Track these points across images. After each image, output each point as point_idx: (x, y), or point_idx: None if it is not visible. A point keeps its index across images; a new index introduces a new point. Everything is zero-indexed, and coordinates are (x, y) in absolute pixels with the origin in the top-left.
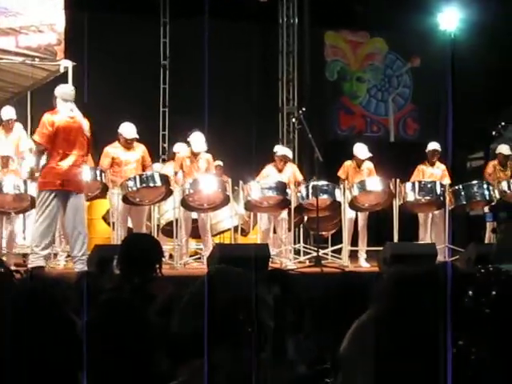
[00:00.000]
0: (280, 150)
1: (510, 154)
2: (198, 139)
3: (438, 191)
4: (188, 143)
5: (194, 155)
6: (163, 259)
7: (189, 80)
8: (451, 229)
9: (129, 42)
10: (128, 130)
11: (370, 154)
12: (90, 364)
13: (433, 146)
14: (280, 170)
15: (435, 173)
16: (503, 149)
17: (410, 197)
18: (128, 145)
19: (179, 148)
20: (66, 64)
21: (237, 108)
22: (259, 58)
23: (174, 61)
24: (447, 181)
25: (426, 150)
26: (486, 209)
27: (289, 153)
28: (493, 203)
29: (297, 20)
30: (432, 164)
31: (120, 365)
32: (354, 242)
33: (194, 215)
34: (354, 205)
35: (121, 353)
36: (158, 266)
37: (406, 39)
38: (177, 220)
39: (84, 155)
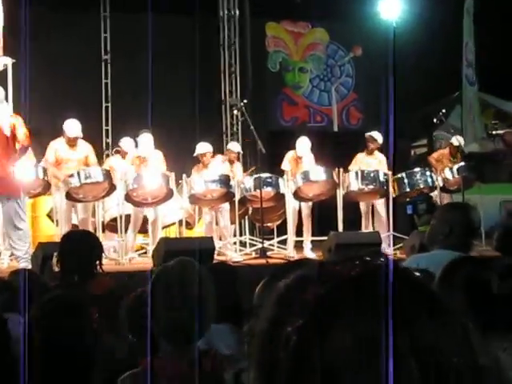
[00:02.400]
0: (234, 147)
1: (460, 145)
2: (146, 141)
3: (381, 180)
4: (135, 140)
5: (143, 156)
6: (106, 255)
7: (131, 74)
8: (395, 217)
9: (69, 38)
10: (70, 127)
11: (309, 151)
12: (30, 362)
13: (372, 133)
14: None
15: (371, 163)
16: (456, 140)
17: (354, 186)
18: (71, 142)
19: (125, 143)
20: (5, 61)
21: (179, 101)
22: (201, 50)
23: (116, 55)
24: (385, 168)
25: (366, 136)
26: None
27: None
28: (413, 196)
29: (237, 12)
30: (370, 153)
31: (61, 362)
32: (299, 232)
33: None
34: (297, 195)
35: (62, 350)
36: (97, 262)
37: (348, 29)
38: (121, 216)
39: (5, 156)
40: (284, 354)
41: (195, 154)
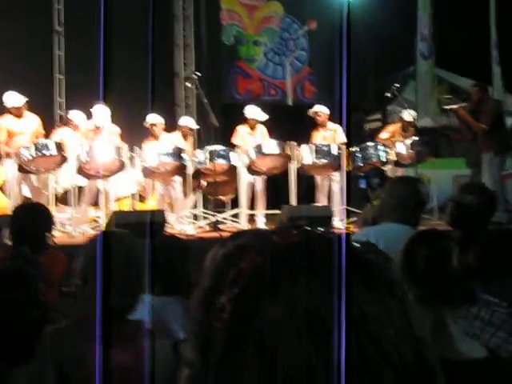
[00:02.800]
0: (188, 122)
1: (412, 120)
2: (101, 113)
3: (335, 153)
4: (89, 113)
5: (97, 128)
6: (58, 227)
7: (84, 46)
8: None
9: (21, 10)
10: (9, 99)
11: (266, 116)
12: None
13: (313, 108)
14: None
15: (327, 135)
16: (407, 115)
17: (307, 160)
18: (16, 113)
19: (74, 116)
20: None
21: (133, 73)
22: (155, 22)
23: (69, 27)
24: (340, 140)
25: (309, 113)
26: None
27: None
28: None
29: None
30: (322, 126)
31: (6, 334)
32: (253, 205)
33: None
34: (251, 169)
35: (6, 323)
36: (48, 234)
37: (303, 2)
38: (74, 188)
39: None
40: (219, 325)
41: (145, 124)
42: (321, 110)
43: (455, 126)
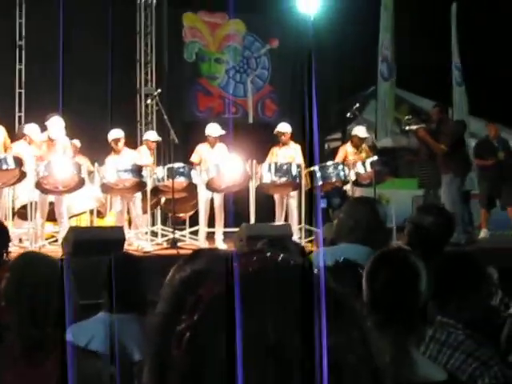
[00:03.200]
0: (152, 136)
1: (366, 137)
2: (55, 125)
3: (294, 172)
4: (44, 126)
5: (51, 140)
6: (16, 243)
7: (45, 61)
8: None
9: None
10: None
11: (223, 132)
12: None
13: (279, 127)
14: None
15: (287, 153)
16: (359, 131)
17: (267, 178)
18: None
19: (29, 129)
20: None
21: (94, 89)
22: (117, 39)
23: (30, 41)
24: (299, 160)
25: (276, 131)
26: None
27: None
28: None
29: (155, 1)
30: (284, 144)
31: None
32: (212, 223)
33: (51, 198)
34: (210, 186)
35: None
36: (4, 251)
37: (265, 21)
38: (31, 203)
39: None
40: (177, 352)
41: (109, 139)
42: (286, 130)
43: (415, 146)
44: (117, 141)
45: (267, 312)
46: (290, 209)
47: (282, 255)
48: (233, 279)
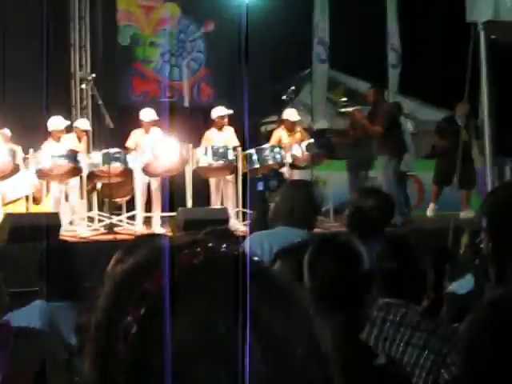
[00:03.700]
0: (82, 124)
1: (297, 120)
2: None
3: (231, 156)
4: None
5: None
6: None
7: None
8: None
9: None
10: None
11: (156, 117)
12: None
13: (218, 111)
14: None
15: (223, 137)
16: (289, 115)
17: (203, 162)
18: None
19: None
20: None
21: (28, 74)
22: (50, 23)
23: None
24: (236, 143)
25: (213, 115)
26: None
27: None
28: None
29: None
30: (220, 128)
31: None
32: (149, 207)
33: None
34: (146, 171)
35: None
36: None
37: (200, 4)
38: None
39: None
40: (123, 346)
41: (51, 129)
42: (226, 114)
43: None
44: (56, 128)
45: (214, 303)
46: (226, 192)
47: (224, 245)
48: (178, 272)
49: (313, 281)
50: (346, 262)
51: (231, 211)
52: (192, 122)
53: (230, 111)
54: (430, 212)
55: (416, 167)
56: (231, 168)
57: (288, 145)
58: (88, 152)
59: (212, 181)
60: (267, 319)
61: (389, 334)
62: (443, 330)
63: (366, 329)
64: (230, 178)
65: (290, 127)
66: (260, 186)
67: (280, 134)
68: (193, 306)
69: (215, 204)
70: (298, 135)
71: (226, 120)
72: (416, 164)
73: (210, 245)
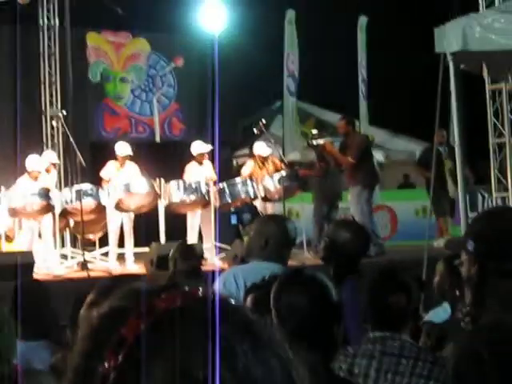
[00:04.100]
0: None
1: (268, 154)
2: None
3: (203, 190)
4: None
5: None
6: None
7: None
8: (219, 227)
9: None
10: None
11: (130, 152)
12: None
13: (199, 148)
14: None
15: (202, 171)
16: (259, 148)
17: (175, 197)
18: None
19: None
20: None
21: None
22: (20, 60)
23: None
24: (214, 177)
25: (194, 152)
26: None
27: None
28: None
29: (57, 21)
30: (200, 163)
31: None
32: (122, 243)
33: None
34: (119, 207)
35: None
36: None
37: (169, 39)
38: None
39: None
40: None
41: (29, 170)
42: (206, 150)
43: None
44: (35, 167)
45: (190, 349)
46: (204, 227)
47: (201, 289)
48: (155, 317)
49: (279, 316)
50: (311, 295)
51: (206, 246)
52: (164, 157)
53: (210, 147)
54: (440, 243)
55: (388, 197)
56: (204, 202)
57: (260, 178)
58: (59, 186)
59: (189, 215)
60: (244, 363)
61: (390, 366)
62: (443, 360)
63: (363, 362)
64: (205, 211)
65: (262, 160)
66: (233, 220)
67: (251, 167)
68: (170, 352)
69: (191, 238)
70: (270, 167)
71: (205, 155)
72: (388, 194)
73: (187, 289)
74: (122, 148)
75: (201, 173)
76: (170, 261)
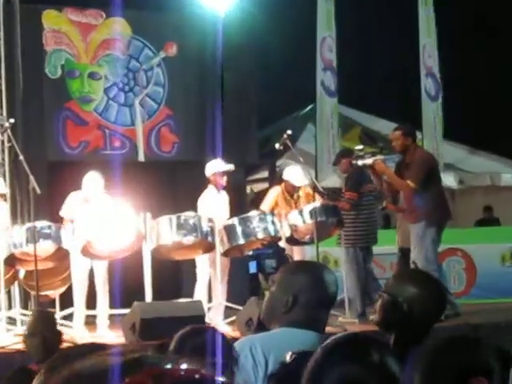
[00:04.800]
0: None
1: (303, 184)
2: None
3: (205, 228)
4: None
5: None
6: None
7: None
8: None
9: None
10: None
11: (102, 189)
12: None
13: (213, 167)
14: None
15: (220, 200)
16: (292, 175)
17: (166, 238)
18: None
19: None
20: None
21: None
22: None
23: None
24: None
25: (209, 173)
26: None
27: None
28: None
29: None
30: (217, 188)
31: None
32: (93, 303)
33: None
34: (88, 252)
35: None
36: None
37: (158, 20)
38: None
39: None
40: None
41: None
42: (227, 169)
43: (371, 187)
44: None
45: None
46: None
47: (201, 371)
48: None
49: None
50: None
51: (214, 305)
52: (150, 182)
53: (231, 166)
54: None
55: (463, 238)
56: (206, 245)
57: (285, 211)
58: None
59: (185, 263)
60: None
61: None
62: None
63: None
64: (211, 257)
65: (290, 189)
66: (252, 268)
67: (275, 196)
68: None
69: (190, 294)
70: (300, 198)
71: (224, 178)
72: (463, 233)
73: (182, 373)
74: (92, 176)
75: (218, 203)
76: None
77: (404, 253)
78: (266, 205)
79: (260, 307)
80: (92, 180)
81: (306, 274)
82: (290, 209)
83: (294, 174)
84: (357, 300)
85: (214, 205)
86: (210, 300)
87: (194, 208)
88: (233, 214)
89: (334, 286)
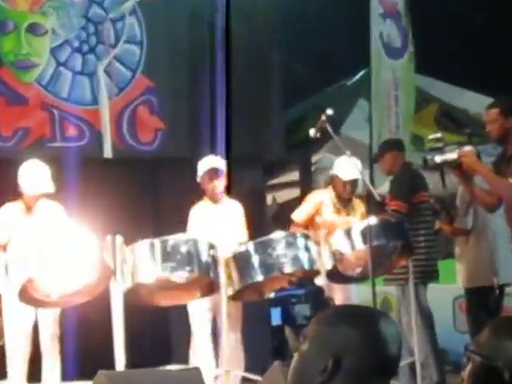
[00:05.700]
0: None
1: (354, 179)
2: None
3: (204, 258)
4: None
5: None
6: None
7: None
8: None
9: None
10: None
11: (49, 190)
12: None
13: (207, 163)
14: None
15: (219, 215)
16: (340, 167)
17: (145, 274)
18: None
19: None
20: None
21: None
22: None
23: None
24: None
25: (199, 175)
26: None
27: None
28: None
29: None
30: (214, 200)
31: None
32: (37, 369)
33: None
34: (28, 296)
35: None
36: None
37: None
38: None
39: None
40: None
41: None
42: (213, 167)
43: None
44: None
45: None
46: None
47: None
48: None
49: None
50: None
51: (220, 372)
52: (122, 189)
53: (219, 162)
54: None
55: None
56: (205, 283)
57: (330, 229)
58: None
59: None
60: None
61: None
62: None
63: None
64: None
65: (342, 193)
66: (276, 318)
67: (317, 202)
68: None
69: (188, 360)
70: (355, 211)
71: (220, 183)
72: None
73: None
74: (33, 183)
75: (217, 219)
76: None
77: (473, 295)
78: (299, 216)
79: (286, 376)
80: (31, 175)
81: (355, 327)
82: (337, 224)
83: (342, 164)
84: (431, 364)
85: (211, 223)
86: (217, 364)
87: (186, 227)
88: (247, 236)
89: (397, 343)
